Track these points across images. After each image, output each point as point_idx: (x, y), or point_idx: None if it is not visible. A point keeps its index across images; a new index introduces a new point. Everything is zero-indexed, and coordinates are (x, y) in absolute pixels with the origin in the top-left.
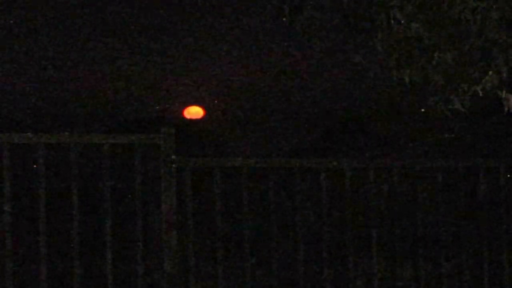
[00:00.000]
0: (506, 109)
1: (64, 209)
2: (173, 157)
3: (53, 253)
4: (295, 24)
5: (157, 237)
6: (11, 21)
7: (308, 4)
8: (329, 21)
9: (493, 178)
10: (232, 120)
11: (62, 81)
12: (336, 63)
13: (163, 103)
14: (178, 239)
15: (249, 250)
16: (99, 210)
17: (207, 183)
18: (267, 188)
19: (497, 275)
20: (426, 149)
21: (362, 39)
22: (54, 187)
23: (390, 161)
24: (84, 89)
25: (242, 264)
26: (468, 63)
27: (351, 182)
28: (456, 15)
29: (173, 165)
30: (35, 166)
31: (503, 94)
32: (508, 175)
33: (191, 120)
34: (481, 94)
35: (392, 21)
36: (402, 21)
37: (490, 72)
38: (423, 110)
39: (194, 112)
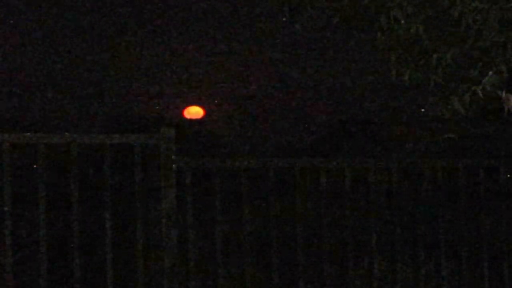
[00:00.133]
0: (506, 109)
1: (64, 209)
2: (173, 157)
3: (53, 252)
4: (295, 24)
5: (157, 236)
6: (11, 21)
7: (308, 4)
8: (329, 21)
9: (493, 178)
10: (232, 120)
11: (63, 81)
12: (336, 63)
13: (163, 103)
14: (178, 239)
15: (249, 250)
16: (99, 210)
17: (207, 183)
18: (267, 188)
19: (497, 275)
20: (426, 149)
21: (362, 39)
22: (54, 187)
23: (390, 161)
24: (84, 89)
25: (242, 264)
26: (467, 64)
27: (351, 182)
28: (456, 15)
29: (173, 165)
30: (35, 166)
31: (503, 94)
32: (508, 175)
33: (191, 120)
34: (481, 95)
35: (392, 21)
36: (402, 21)
37: (490, 72)
38: (423, 110)
39: (194, 112)
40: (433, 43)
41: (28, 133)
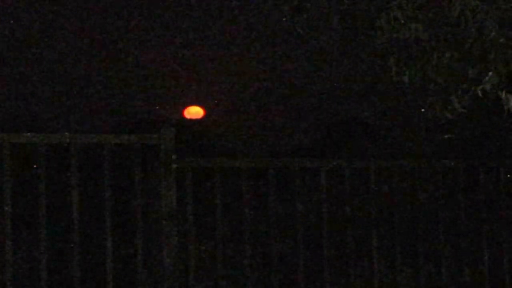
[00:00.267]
0: (506, 109)
1: (64, 209)
2: (173, 157)
3: (54, 252)
4: (295, 24)
5: (157, 237)
6: (11, 22)
7: (308, 4)
8: (329, 21)
9: (493, 178)
10: (232, 120)
11: (62, 82)
12: (336, 63)
13: (163, 103)
14: (178, 239)
15: (249, 250)
16: (99, 210)
17: (207, 183)
18: (267, 188)
19: (497, 275)
20: (426, 149)
21: (362, 39)
22: (54, 187)
23: (390, 161)
24: (84, 89)
25: (242, 264)
26: (467, 64)
27: (351, 182)
28: (456, 15)
29: (173, 165)
30: (35, 166)
31: (503, 94)
32: (508, 175)
33: (191, 120)
34: (480, 95)
35: (392, 22)
36: (402, 21)
37: (490, 73)
38: (423, 110)
39: (194, 112)
40: (432, 43)
41: (28, 133)
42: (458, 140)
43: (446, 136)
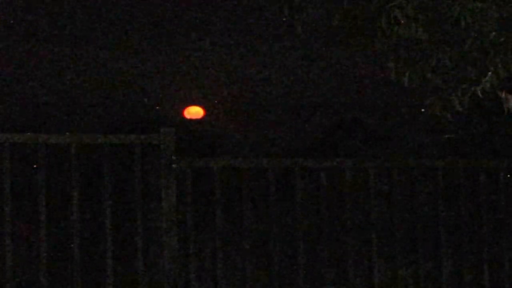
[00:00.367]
0: (506, 109)
1: (64, 209)
2: (173, 157)
3: (53, 253)
4: (295, 24)
5: (157, 237)
6: (12, 21)
7: (308, 4)
8: (329, 21)
9: (493, 178)
10: (232, 120)
11: (63, 81)
12: (336, 63)
13: (163, 103)
14: (178, 239)
15: (249, 250)
16: (99, 210)
17: (207, 183)
18: (267, 188)
19: (497, 275)
20: (426, 149)
21: (362, 39)
22: (54, 187)
23: (390, 161)
24: (84, 89)
25: (242, 264)
26: (466, 64)
27: (351, 182)
28: (455, 15)
29: (173, 165)
30: (35, 166)
31: (503, 94)
32: (508, 175)
33: (191, 120)
34: (480, 95)
35: (392, 22)
36: (402, 21)
37: (490, 73)
38: (423, 110)
39: (194, 112)
40: (432, 44)
41: (28, 133)
42: (458, 140)
43: (446, 136)
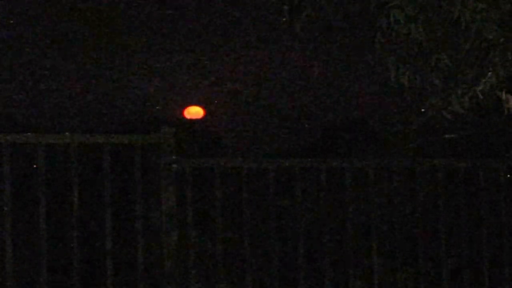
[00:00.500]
0: (506, 110)
1: (64, 209)
2: (173, 157)
3: (53, 252)
4: (295, 24)
5: (157, 237)
6: (12, 21)
7: (308, 4)
8: (329, 21)
9: (493, 178)
10: (232, 120)
11: (62, 82)
12: (336, 63)
13: (163, 103)
14: (178, 239)
15: (249, 250)
16: (99, 210)
17: (207, 183)
18: (267, 188)
19: (497, 275)
20: (426, 149)
21: (362, 40)
22: (54, 187)
23: (390, 161)
24: (84, 89)
25: (242, 264)
26: (466, 64)
27: (351, 182)
28: (456, 15)
29: (173, 165)
30: (35, 166)
31: (503, 95)
32: (508, 175)
33: (191, 120)
34: (480, 96)
35: (392, 22)
36: (402, 21)
37: (490, 73)
38: (423, 110)
39: (194, 112)
40: (432, 44)
41: (28, 133)
42: (458, 140)
43: (446, 136)
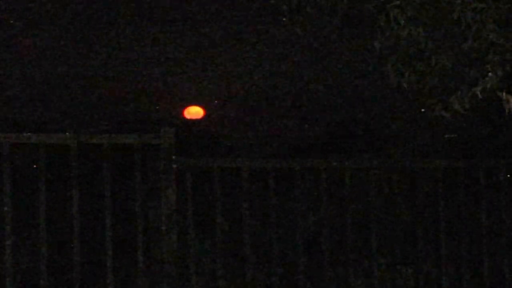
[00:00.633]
0: (506, 110)
1: (64, 209)
2: (173, 157)
3: (53, 252)
4: (295, 24)
5: (157, 237)
6: (11, 21)
7: (308, 4)
8: (329, 22)
9: (493, 178)
10: (232, 120)
11: (63, 81)
12: (336, 63)
13: (163, 103)
14: (178, 239)
15: (249, 250)
16: (99, 210)
17: (207, 183)
18: (267, 188)
19: (497, 275)
20: (426, 149)
21: (362, 40)
22: (54, 187)
23: (390, 161)
24: (84, 89)
25: (242, 264)
26: (465, 65)
27: (351, 182)
28: (456, 16)
29: (173, 165)
30: (35, 166)
31: (503, 95)
32: (508, 175)
33: (191, 120)
34: (480, 96)
35: (392, 22)
36: (402, 22)
37: (490, 74)
38: (423, 110)
39: (194, 112)
40: (432, 45)
41: (28, 133)
42: (458, 140)
43: (446, 136)
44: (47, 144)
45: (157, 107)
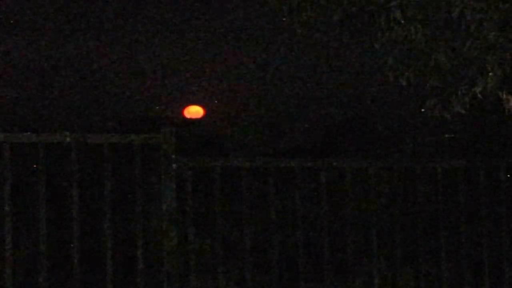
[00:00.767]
0: (506, 110)
1: (64, 209)
2: (173, 157)
3: (53, 252)
4: (295, 24)
5: (157, 237)
6: (11, 21)
7: (308, 4)
8: (329, 21)
9: (493, 178)
10: (232, 120)
11: (63, 81)
12: (336, 63)
13: (163, 103)
14: (178, 239)
15: (249, 250)
16: (99, 210)
17: (207, 183)
18: (267, 188)
19: (497, 275)
20: (426, 149)
21: (362, 40)
22: (54, 187)
23: (390, 161)
24: (85, 89)
25: (242, 264)
26: (465, 65)
27: (351, 182)
28: (455, 16)
29: (173, 165)
30: (35, 166)
31: (503, 95)
32: (508, 175)
33: (191, 120)
34: (480, 96)
35: (392, 22)
36: (402, 21)
37: (490, 73)
38: (423, 110)
39: (194, 112)
40: (432, 44)
41: (28, 133)
42: (458, 140)
43: (446, 136)
44: (47, 144)
45: (157, 107)
